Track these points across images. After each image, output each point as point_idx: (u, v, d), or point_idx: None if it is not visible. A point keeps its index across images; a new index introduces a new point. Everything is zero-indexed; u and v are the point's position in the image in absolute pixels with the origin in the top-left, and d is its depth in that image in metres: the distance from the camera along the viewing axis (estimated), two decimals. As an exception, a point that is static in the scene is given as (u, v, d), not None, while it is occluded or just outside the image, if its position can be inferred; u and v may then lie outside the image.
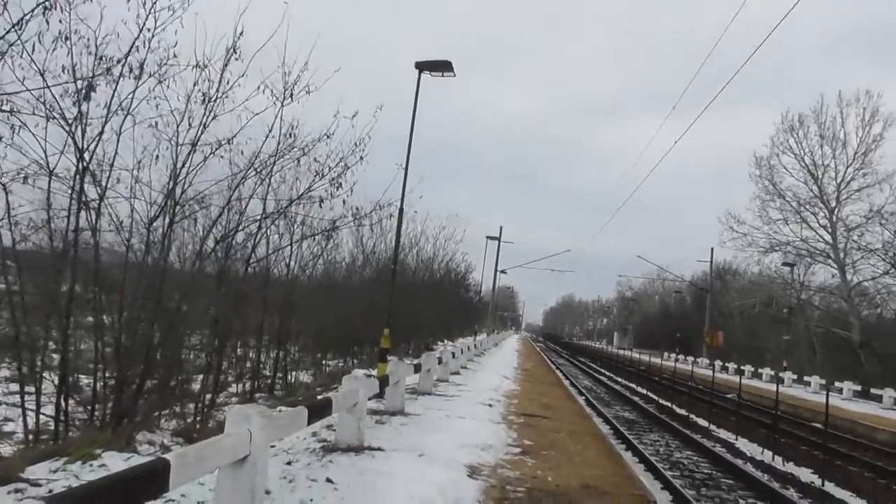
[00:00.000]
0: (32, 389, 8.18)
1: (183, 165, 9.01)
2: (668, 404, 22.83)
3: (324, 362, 25.59)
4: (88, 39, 8.27)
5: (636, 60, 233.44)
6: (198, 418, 10.28)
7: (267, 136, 9.83)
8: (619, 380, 33.76)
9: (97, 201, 8.50)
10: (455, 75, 13.67)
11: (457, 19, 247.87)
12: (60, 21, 8.00)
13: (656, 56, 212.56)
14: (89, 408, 8.36)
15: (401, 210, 12.97)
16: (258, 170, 9.82)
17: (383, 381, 9.05)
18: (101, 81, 8.36)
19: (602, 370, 41.43)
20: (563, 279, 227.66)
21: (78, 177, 8.31)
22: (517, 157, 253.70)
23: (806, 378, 32.06)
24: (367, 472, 6.36)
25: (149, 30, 8.65)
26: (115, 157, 8.54)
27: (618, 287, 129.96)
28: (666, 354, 57.59)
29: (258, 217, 10.14)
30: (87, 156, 8.33)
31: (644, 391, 27.35)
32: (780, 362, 39.81)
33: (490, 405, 12.57)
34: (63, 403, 8.20)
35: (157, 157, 8.86)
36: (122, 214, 8.75)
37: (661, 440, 15.21)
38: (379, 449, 7.50)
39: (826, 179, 45.06)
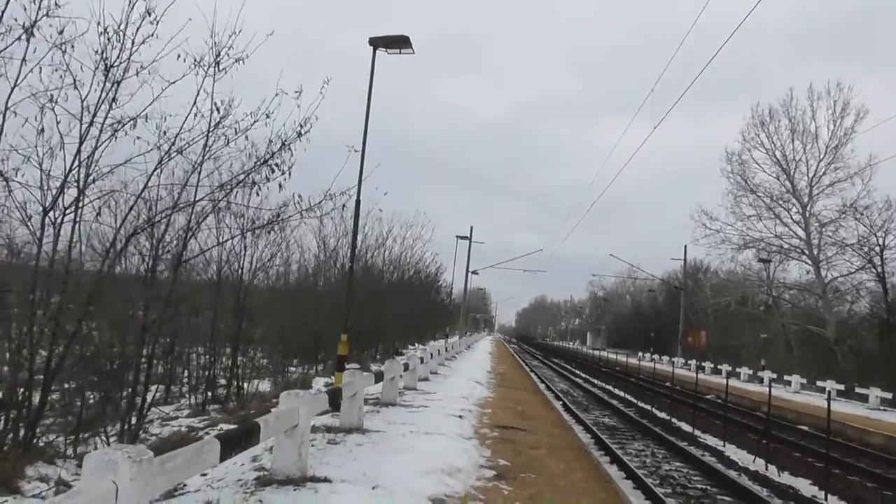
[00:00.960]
0: None
1: (96, 148, 7.61)
2: (648, 407, 21.83)
3: (287, 369, 24.17)
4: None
5: (608, 61, 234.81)
6: (123, 441, 8.88)
7: (190, 111, 8.46)
8: (596, 381, 32.75)
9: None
10: (413, 52, 12.43)
11: (426, 20, 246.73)
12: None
13: (628, 57, 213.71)
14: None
15: (357, 201, 11.70)
16: (181, 150, 8.45)
17: (335, 394, 7.75)
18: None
19: (577, 371, 40.44)
20: (536, 280, 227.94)
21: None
22: (490, 159, 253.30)
23: (786, 377, 31.30)
24: (303, 516, 5.07)
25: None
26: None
27: (590, 287, 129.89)
28: (640, 354, 57.01)
29: (182, 205, 8.75)
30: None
31: (621, 393, 26.35)
32: (756, 361, 39.24)
33: (460, 416, 11.31)
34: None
35: (53, 135, 7.45)
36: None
37: (647, 449, 14.08)
38: (325, 480, 6.20)
39: (798, 174, 44.74)
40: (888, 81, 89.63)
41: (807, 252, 43.85)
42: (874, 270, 38.04)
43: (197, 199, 8.80)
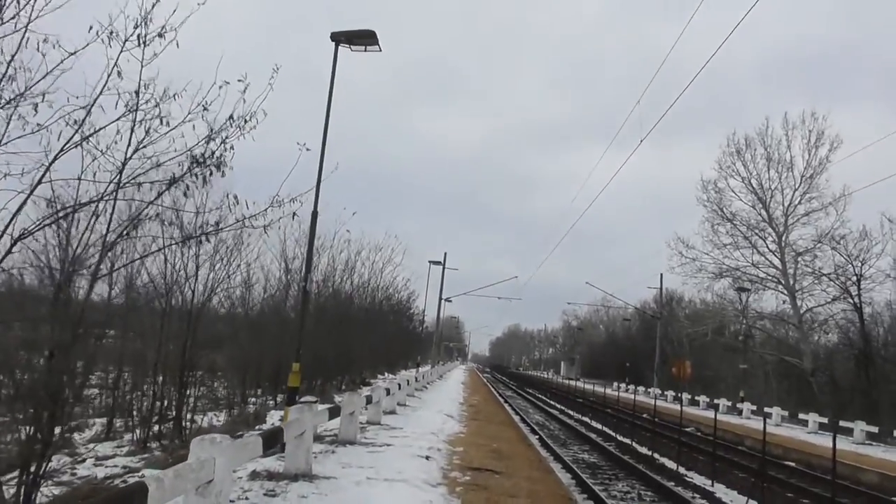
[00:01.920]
0: None
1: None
2: (628, 441, 20.66)
3: (247, 401, 22.63)
4: None
5: (582, 89, 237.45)
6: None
7: (101, 93, 7.16)
8: (572, 413, 31.54)
9: None
10: (380, 49, 11.36)
11: (398, 46, 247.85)
12: None
13: (603, 85, 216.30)
14: None
15: (314, 213, 10.44)
16: (87, 138, 7.14)
17: (271, 437, 6.45)
18: None
19: (552, 402, 39.22)
20: (510, 309, 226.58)
21: None
22: (464, 186, 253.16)
23: (766, 409, 30.37)
24: None
25: None
26: None
27: (563, 316, 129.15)
28: (615, 384, 55.94)
29: (84, 203, 7.43)
30: None
31: (599, 426, 25.14)
32: (734, 392, 38.37)
33: (428, 457, 10.02)
34: None
35: None
36: None
37: (632, 491, 12.88)
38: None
39: (773, 203, 44.47)
40: (856, 116, 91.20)
41: (783, 282, 43.40)
42: (850, 300, 37.57)
43: (104, 196, 7.47)
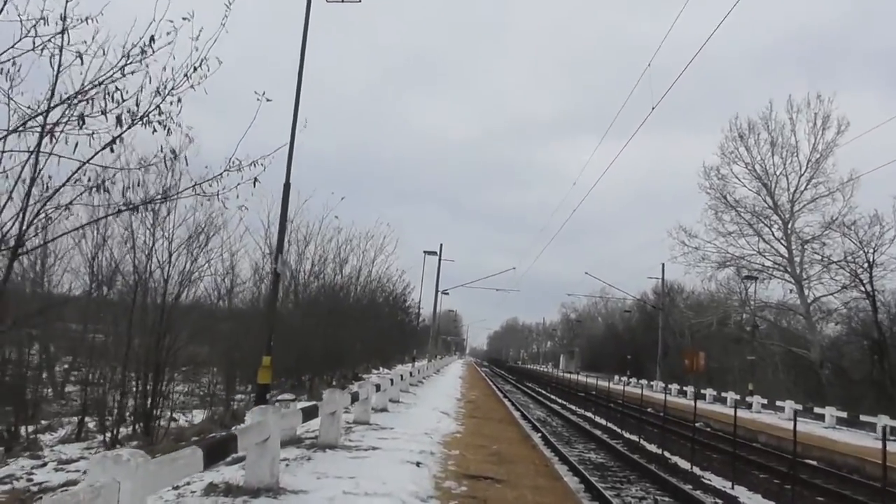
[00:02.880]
0: None
1: None
2: (636, 439, 19.39)
3: (236, 397, 21.34)
4: None
5: (580, 80, 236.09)
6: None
7: None
8: (573, 408, 30.30)
9: None
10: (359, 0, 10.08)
11: (392, 37, 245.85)
12: None
13: (601, 75, 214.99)
14: None
15: (286, 184, 9.11)
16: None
17: (218, 448, 5.17)
18: None
19: (553, 397, 37.98)
20: (507, 302, 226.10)
21: None
22: (461, 180, 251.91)
23: (778, 402, 29.14)
24: None
25: None
26: None
27: (562, 309, 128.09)
28: (617, 377, 54.75)
29: None
30: None
31: (603, 422, 23.90)
32: (742, 384, 37.19)
33: (419, 464, 8.75)
34: None
35: None
36: None
37: (647, 497, 11.63)
38: None
39: (779, 190, 43.19)
40: (854, 102, 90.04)
41: (789, 270, 42.17)
42: (862, 289, 36.34)
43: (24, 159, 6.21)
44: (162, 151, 7.38)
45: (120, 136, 6.64)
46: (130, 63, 6.53)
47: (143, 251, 14.15)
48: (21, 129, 6.48)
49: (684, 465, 15.47)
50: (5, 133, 6.36)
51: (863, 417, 22.74)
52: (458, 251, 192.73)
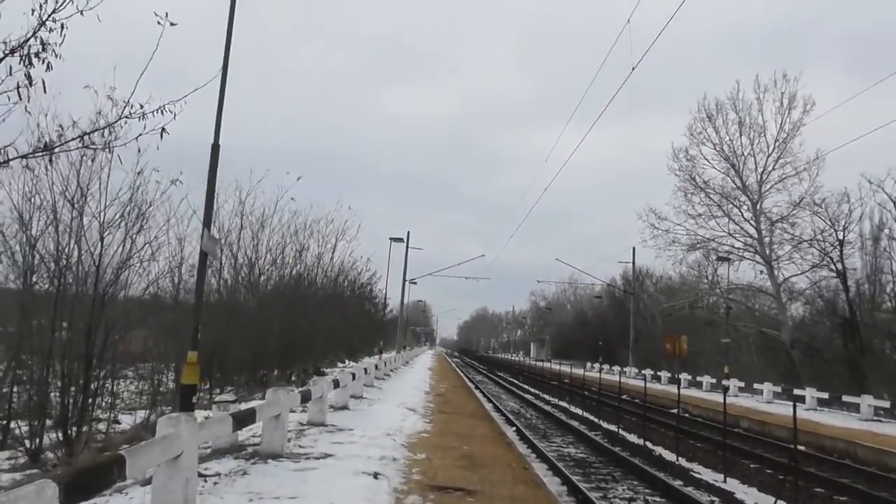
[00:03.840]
0: None
1: None
2: (614, 429, 18.31)
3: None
4: None
5: (548, 66, 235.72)
6: None
7: None
8: (547, 398, 29.24)
9: None
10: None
11: (361, 25, 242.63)
12: None
13: (568, 61, 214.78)
14: None
15: (215, 145, 7.66)
16: None
17: (88, 478, 3.79)
18: None
19: (525, 386, 36.95)
20: (478, 291, 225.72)
21: None
22: (430, 166, 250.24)
23: (755, 385, 28.43)
24: None
25: None
26: None
27: (531, 297, 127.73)
28: (588, 364, 54.02)
29: None
30: None
31: (579, 411, 22.83)
32: (716, 368, 36.57)
33: (377, 474, 7.42)
34: None
35: None
36: None
37: (637, 497, 10.48)
38: None
39: (747, 170, 42.72)
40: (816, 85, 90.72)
41: (759, 251, 41.72)
42: (833, 267, 35.92)
43: None
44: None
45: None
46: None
47: (68, 233, 12.53)
48: None
49: (669, 456, 14.43)
50: None
51: (844, 398, 22.00)
52: (426, 238, 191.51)
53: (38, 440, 11.88)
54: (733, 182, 42.81)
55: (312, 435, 9.95)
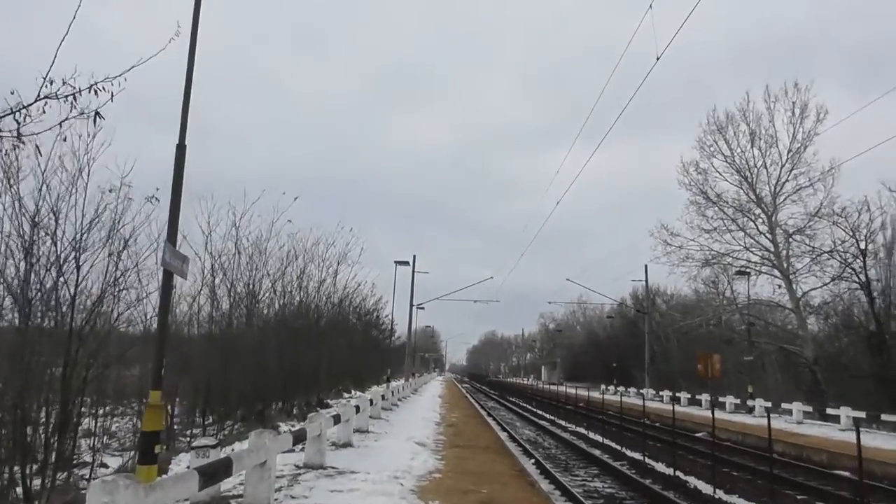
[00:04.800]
0: None
1: None
2: (640, 457, 16.94)
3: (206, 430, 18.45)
4: None
5: (554, 89, 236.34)
6: None
7: None
8: (563, 423, 27.82)
9: None
10: None
11: (368, 51, 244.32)
12: None
13: (574, 83, 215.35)
14: None
15: (181, 140, 6.51)
16: None
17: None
18: None
19: (539, 412, 35.44)
20: (486, 315, 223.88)
21: None
22: (437, 193, 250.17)
23: (784, 405, 26.97)
24: None
25: None
26: None
27: (540, 319, 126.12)
28: (602, 387, 52.44)
29: None
30: None
31: (599, 438, 21.45)
32: (735, 387, 35.10)
33: (380, 534, 6.18)
34: None
35: None
36: None
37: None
38: None
39: (760, 182, 41.54)
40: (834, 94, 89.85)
41: (776, 264, 40.36)
42: (855, 279, 34.53)
43: None
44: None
45: None
46: None
47: (39, 256, 11.36)
48: None
49: (704, 488, 13.11)
50: None
51: (884, 416, 20.57)
52: (433, 263, 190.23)
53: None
54: (747, 194, 41.67)
55: (308, 481, 8.71)
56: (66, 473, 12.08)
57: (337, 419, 11.81)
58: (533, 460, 15.83)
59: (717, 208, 42.17)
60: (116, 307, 13.45)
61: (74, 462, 12.99)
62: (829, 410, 23.70)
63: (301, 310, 24.06)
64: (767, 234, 40.97)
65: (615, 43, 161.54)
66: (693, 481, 13.90)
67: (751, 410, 28.99)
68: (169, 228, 6.54)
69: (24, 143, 4.97)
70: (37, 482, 11.40)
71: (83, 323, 12.29)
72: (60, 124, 5.02)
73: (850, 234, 33.97)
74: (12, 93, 4.78)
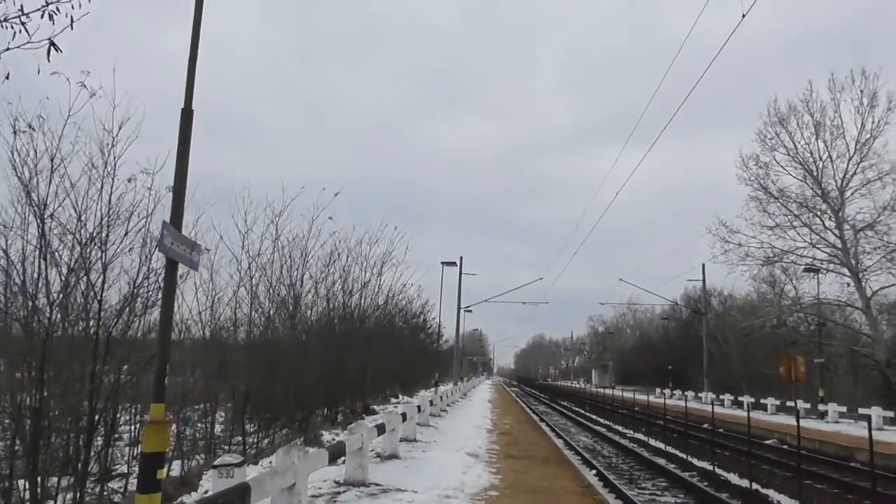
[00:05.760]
0: None
1: None
2: (710, 467, 15.50)
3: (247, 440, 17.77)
4: None
5: (603, 89, 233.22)
6: None
7: None
8: (620, 429, 26.37)
9: None
10: None
11: (407, 60, 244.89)
12: None
13: (624, 83, 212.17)
14: None
15: (187, 103, 5.61)
16: None
17: None
18: None
19: (593, 416, 33.99)
20: (534, 319, 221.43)
21: None
22: (484, 198, 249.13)
23: (861, 410, 25.05)
24: None
25: None
26: None
27: (589, 322, 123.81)
28: (657, 391, 50.55)
29: None
30: None
31: (661, 445, 20.04)
32: (806, 391, 33.02)
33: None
34: None
35: None
36: None
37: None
38: None
39: (825, 176, 39.31)
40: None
41: (844, 262, 38.10)
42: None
43: None
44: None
45: None
46: None
47: (64, 260, 10.73)
48: None
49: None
50: None
51: None
52: (482, 267, 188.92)
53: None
54: (811, 189, 39.53)
55: (348, 500, 7.75)
56: (99, 486, 11.44)
57: (381, 429, 10.86)
58: (594, 471, 14.63)
59: (779, 204, 40.19)
60: (146, 314, 12.74)
61: (112, 473, 12.39)
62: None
63: (346, 312, 23.24)
64: (834, 230, 38.81)
65: (662, 42, 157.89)
66: (774, 496, 12.54)
67: (822, 415, 27.10)
68: (173, 207, 5.57)
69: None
70: (69, 496, 10.77)
71: (111, 329, 11.62)
72: (2, 53, 4.21)
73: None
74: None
